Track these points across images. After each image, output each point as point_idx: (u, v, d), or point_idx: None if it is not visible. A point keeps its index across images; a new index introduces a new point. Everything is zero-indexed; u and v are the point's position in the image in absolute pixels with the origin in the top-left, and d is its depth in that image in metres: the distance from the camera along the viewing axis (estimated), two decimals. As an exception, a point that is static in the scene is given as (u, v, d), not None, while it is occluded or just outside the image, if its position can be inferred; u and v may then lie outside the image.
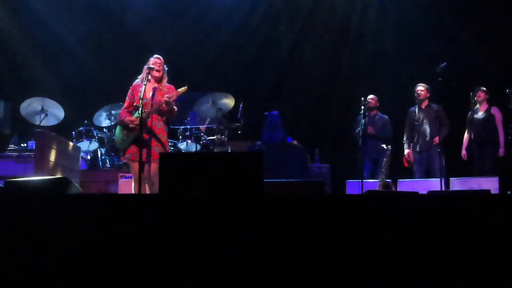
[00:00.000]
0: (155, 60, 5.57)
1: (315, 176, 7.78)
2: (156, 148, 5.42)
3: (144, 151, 5.32)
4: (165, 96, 5.42)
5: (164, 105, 5.40)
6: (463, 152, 7.53)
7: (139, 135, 5.26)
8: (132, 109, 5.57)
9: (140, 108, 5.20)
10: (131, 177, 6.72)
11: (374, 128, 7.70)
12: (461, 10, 8.98)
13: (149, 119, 5.43)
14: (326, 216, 2.73)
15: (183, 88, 5.48)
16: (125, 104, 5.66)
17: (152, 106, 5.44)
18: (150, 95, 5.48)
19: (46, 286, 2.64)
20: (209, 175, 3.04)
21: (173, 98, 5.47)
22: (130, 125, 5.44)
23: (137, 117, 5.35)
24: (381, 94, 8.13)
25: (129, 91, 5.63)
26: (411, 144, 7.58)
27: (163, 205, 2.78)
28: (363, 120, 7.11)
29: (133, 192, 5.45)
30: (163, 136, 5.55)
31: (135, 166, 5.39)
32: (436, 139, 7.20)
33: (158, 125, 5.53)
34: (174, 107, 5.56)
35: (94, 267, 2.66)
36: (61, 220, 2.73)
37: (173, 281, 2.65)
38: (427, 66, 7.98)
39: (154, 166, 5.29)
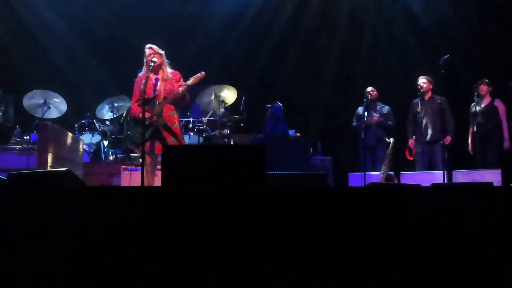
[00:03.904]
0: (148, 52, 5.53)
1: (318, 169, 7.77)
2: (172, 140, 5.43)
3: (160, 143, 5.36)
4: (182, 84, 5.43)
5: (179, 94, 5.42)
6: (470, 146, 7.49)
7: (156, 127, 5.32)
8: (141, 102, 5.48)
9: (142, 100, 5.22)
10: (133, 170, 6.74)
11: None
12: (464, 2, 8.94)
13: (163, 111, 5.44)
14: (328, 209, 2.73)
15: (199, 74, 5.47)
16: (134, 98, 5.64)
17: (159, 98, 5.44)
18: (154, 86, 5.49)
19: (48, 280, 2.65)
20: (211, 168, 3.03)
21: (191, 83, 5.47)
22: (147, 121, 5.34)
23: (150, 109, 5.37)
24: (384, 87, 8.10)
25: (135, 84, 5.62)
26: (414, 136, 7.56)
27: (166, 197, 2.78)
28: (365, 113, 7.08)
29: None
30: (178, 125, 5.58)
31: (148, 159, 5.43)
32: (448, 139, 7.06)
33: (173, 114, 5.54)
34: (186, 93, 5.58)
35: (96, 260, 2.67)
36: (64, 212, 2.73)
37: (176, 274, 2.65)
38: (430, 58, 7.95)
39: None
